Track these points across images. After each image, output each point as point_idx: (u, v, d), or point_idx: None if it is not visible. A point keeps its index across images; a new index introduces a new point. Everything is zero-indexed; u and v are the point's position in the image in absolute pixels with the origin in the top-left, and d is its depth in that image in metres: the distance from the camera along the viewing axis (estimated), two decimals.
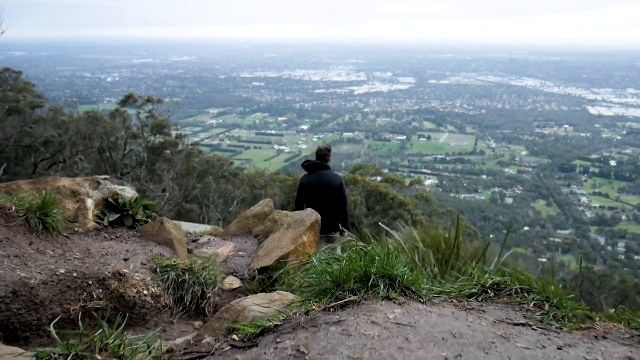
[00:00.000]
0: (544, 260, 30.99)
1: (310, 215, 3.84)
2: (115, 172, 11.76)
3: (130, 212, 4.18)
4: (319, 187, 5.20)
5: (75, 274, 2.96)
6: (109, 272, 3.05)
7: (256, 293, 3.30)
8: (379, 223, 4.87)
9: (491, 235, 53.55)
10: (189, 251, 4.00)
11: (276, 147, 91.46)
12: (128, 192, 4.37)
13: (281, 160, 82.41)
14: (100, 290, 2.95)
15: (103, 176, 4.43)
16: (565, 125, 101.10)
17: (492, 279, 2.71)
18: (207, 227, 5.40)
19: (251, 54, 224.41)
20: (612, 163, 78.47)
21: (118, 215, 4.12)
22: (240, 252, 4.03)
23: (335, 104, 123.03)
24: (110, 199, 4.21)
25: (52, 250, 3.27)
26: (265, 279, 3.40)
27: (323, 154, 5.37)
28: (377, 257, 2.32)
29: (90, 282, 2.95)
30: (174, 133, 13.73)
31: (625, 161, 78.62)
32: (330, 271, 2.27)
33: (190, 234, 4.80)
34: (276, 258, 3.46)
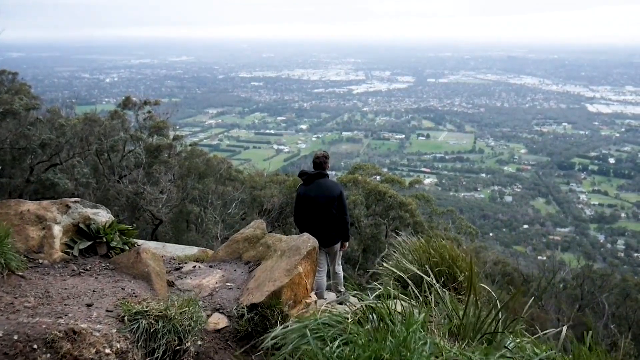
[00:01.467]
0: (543, 258, 30.98)
1: (307, 241, 3.50)
2: (113, 175, 11.74)
3: (105, 239, 3.73)
4: (317, 198, 4.87)
5: (16, 337, 2.38)
6: (59, 332, 2.45)
7: (245, 334, 3.00)
8: (393, 233, 4.64)
9: (490, 234, 53.70)
10: (170, 283, 3.54)
11: (275, 146, 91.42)
12: (102, 216, 3.90)
13: (280, 160, 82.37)
14: (48, 355, 2.37)
15: (73, 199, 3.92)
16: (564, 123, 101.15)
17: None
18: (194, 250, 4.89)
19: (250, 54, 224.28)
20: (611, 161, 78.51)
21: (90, 242, 3.67)
22: (228, 284, 3.60)
23: (334, 104, 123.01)
24: (81, 225, 3.72)
25: None
26: (256, 318, 3.05)
27: (321, 162, 5.05)
28: (390, 339, 1.88)
29: (35, 346, 2.38)
30: (171, 134, 13.71)
31: (624, 159, 78.67)
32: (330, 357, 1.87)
33: (174, 259, 4.35)
34: (268, 293, 3.12)
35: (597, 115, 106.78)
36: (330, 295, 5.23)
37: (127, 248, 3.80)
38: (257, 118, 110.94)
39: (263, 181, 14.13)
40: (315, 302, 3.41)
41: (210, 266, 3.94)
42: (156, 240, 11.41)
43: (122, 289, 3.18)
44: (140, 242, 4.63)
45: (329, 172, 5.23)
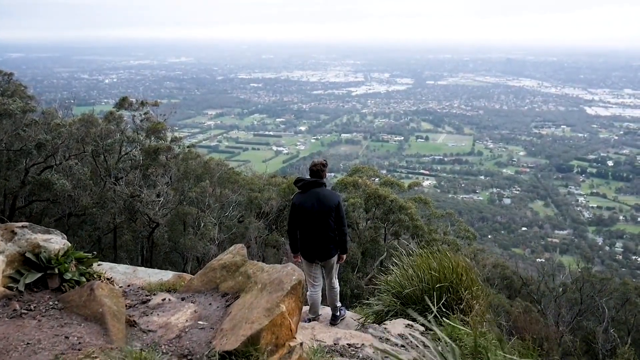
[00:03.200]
0: (542, 261, 30.94)
1: (291, 274, 3.05)
2: (109, 177, 11.64)
3: (57, 270, 3.20)
4: (314, 208, 4.54)
5: None
6: None
7: None
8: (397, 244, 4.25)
9: (489, 236, 53.67)
10: (132, 323, 3.02)
11: (274, 148, 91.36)
12: (55, 242, 3.35)
13: (279, 161, 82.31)
14: None
15: (21, 223, 3.44)
16: (562, 126, 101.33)
17: None
18: (169, 276, 4.27)
19: (249, 55, 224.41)
20: (610, 163, 78.61)
21: (40, 274, 3.15)
22: (200, 322, 3.10)
23: (334, 105, 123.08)
24: (29, 254, 3.18)
25: None
26: None
27: (318, 170, 4.71)
28: None
29: None
30: (169, 136, 13.59)
31: (623, 161, 78.77)
32: None
33: (143, 289, 3.80)
34: (244, 339, 2.65)
35: (596, 118, 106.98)
36: (326, 311, 4.96)
37: (85, 280, 3.24)
38: (256, 119, 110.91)
39: (261, 183, 14.04)
40: (301, 344, 2.93)
41: (183, 298, 3.46)
42: (152, 244, 11.34)
43: (66, 337, 2.62)
44: (107, 266, 4.17)
45: (326, 181, 4.94)
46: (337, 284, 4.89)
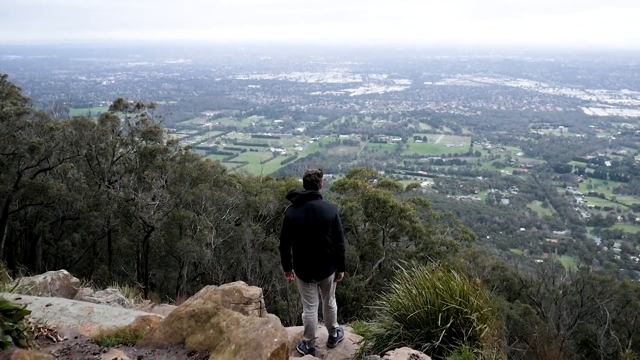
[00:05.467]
0: (540, 261, 30.85)
1: (272, 335, 2.51)
2: (103, 180, 11.49)
3: None
4: (309, 223, 4.13)
5: None
6: None
7: None
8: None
9: (488, 237, 53.64)
10: None
11: (272, 149, 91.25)
12: None
13: (278, 162, 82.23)
14: None
15: None
16: (560, 126, 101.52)
17: None
18: (131, 319, 3.40)
19: (247, 57, 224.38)
20: (607, 163, 78.74)
21: None
22: None
23: (332, 106, 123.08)
24: None
25: None
26: None
27: (313, 180, 4.26)
28: None
29: None
30: (165, 139, 13.43)
31: (621, 161, 78.91)
32: None
33: (93, 342, 3.10)
34: None
35: (594, 118, 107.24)
36: (322, 331, 4.63)
37: (10, 340, 2.51)
38: (254, 121, 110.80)
39: (258, 186, 13.92)
40: None
41: (140, 357, 2.84)
42: (147, 248, 11.17)
43: None
44: (58, 308, 3.44)
45: (322, 192, 4.47)
46: (335, 303, 4.52)
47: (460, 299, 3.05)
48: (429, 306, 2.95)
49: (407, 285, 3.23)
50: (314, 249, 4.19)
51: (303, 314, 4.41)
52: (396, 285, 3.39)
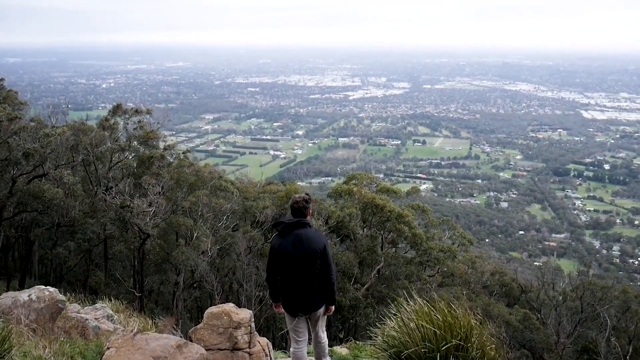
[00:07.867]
0: (539, 264, 30.77)
1: None
2: (100, 186, 11.41)
3: None
4: (296, 253, 3.87)
5: None
6: None
7: None
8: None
9: (486, 240, 53.57)
10: None
11: (272, 152, 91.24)
12: None
13: (277, 165, 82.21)
14: None
15: None
16: (559, 130, 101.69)
17: None
18: None
19: (246, 60, 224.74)
20: (606, 167, 78.84)
21: None
22: None
23: (331, 109, 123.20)
24: None
25: None
26: None
27: (300, 207, 3.98)
28: None
29: None
30: (162, 145, 13.36)
31: (619, 165, 79.01)
32: None
33: None
34: None
35: (592, 122, 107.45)
36: None
37: None
38: (253, 124, 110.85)
39: (256, 192, 13.83)
40: None
41: None
42: (143, 255, 11.04)
43: None
44: None
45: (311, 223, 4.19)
46: (325, 337, 4.29)
47: (461, 335, 2.84)
48: (427, 343, 2.79)
49: (404, 317, 3.01)
50: (301, 280, 3.94)
51: (291, 349, 4.19)
52: (392, 316, 3.15)
